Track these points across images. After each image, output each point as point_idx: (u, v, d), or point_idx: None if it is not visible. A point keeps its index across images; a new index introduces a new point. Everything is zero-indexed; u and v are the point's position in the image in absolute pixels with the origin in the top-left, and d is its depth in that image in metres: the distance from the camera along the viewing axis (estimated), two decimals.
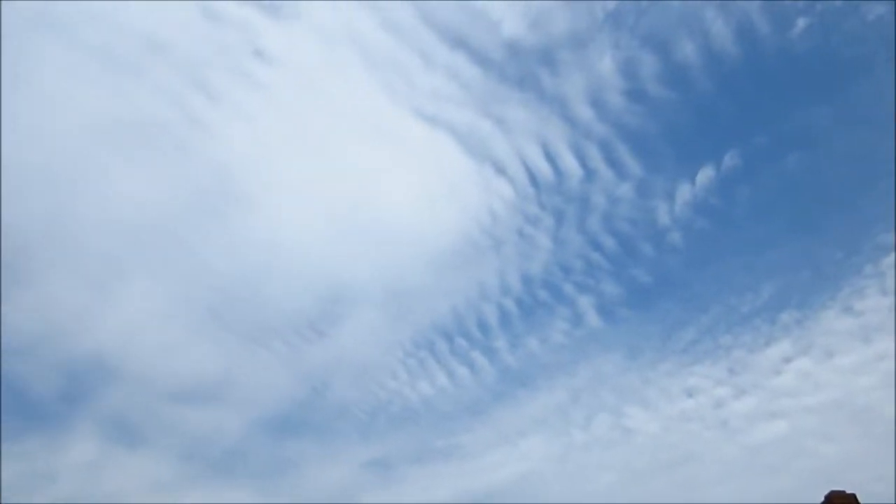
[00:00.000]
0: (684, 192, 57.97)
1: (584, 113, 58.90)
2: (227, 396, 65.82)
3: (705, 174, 57.39)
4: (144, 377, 62.45)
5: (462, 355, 62.71)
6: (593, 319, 60.68)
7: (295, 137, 59.61)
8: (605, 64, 57.51)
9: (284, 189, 61.70)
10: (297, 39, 55.75)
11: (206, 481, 63.25)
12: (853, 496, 18.92)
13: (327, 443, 67.34)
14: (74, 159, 54.79)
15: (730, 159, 57.02)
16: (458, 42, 57.49)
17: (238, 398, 66.58)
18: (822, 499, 19.29)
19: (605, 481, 56.26)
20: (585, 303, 60.84)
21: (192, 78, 55.72)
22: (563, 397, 60.56)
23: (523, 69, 58.70)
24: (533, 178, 60.19)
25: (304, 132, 59.02)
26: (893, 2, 48.48)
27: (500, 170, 60.40)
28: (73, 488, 56.60)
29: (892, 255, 47.39)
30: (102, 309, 59.69)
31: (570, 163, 59.50)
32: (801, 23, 52.66)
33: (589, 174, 59.83)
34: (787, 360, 51.54)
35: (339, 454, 65.79)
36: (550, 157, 60.25)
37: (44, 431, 64.10)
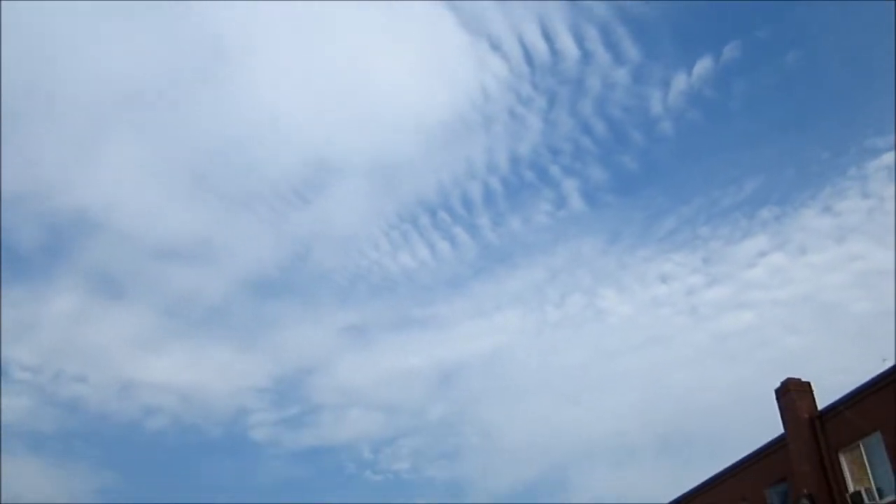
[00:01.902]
0: (680, 82, 57.50)
1: None
2: (210, 257, 66.97)
3: (703, 65, 56.78)
4: (128, 234, 63.28)
5: (444, 230, 63.73)
6: (577, 203, 61.53)
7: (288, 2, 57.62)
8: None
9: (275, 55, 60.31)
10: None
11: (188, 338, 65.43)
12: (808, 384, 20.17)
13: (307, 306, 69.23)
14: (66, 19, 52.94)
15: (729, 51, 56.28)
16: None
17: (221, 259, 67.74)
18: (778, 385, 20.57)
19: (575, 358, 58.89)
20: (571, 186, 61.49)
21: None
22: (540, 276, 62.25)
23: None
24: (528, 57, 59.24)
25: None
26: None
27: (496, 46, 59.28)
28: (56, 337, 58.36)
29: (878, 158, 47.93)
30: (87, 166, 59.55)
31: (567, 43, 58.46)
32: None
33: (586, 56, 58.96)
34: (762, 254, 53.05)
35: (318, 318, 67.82)
36: (548, 37, 59.12)
37: (28, 282, 65.40)
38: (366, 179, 65.31)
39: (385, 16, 59.72)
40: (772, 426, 20.63)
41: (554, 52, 59.62)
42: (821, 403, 19.67)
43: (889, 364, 17.57)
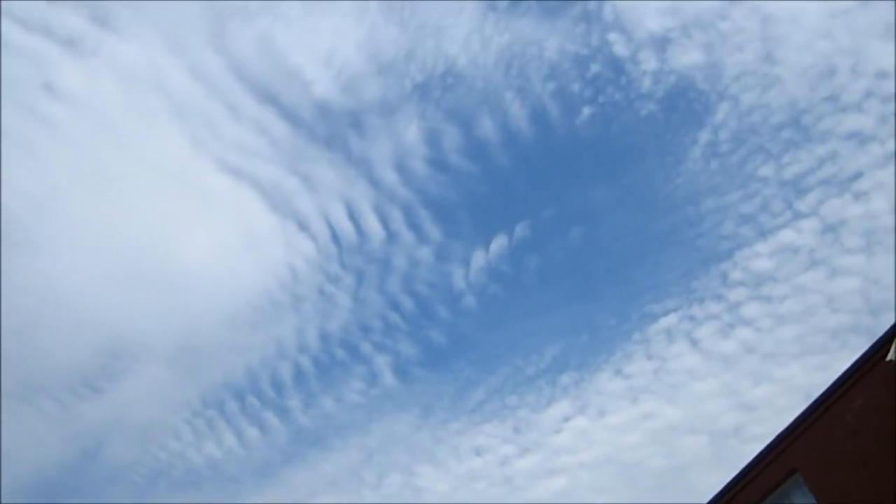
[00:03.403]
0: (479, 259, 61.16)
1: (389, 177, 60.75)
2: None
3: (498, 242, 61.02)
4: None
5: (253, 415, 60.74)
6: (389, 379, 61.48)
7: (86, 180, 55.66)
8: (412, 132, 59.93)
9: (69, 234, 57.16)
10: (96, 77, 52.67)
11: None
12: None
13: None
14: None
15: (521, 230, 61.14)
16: (269, 97, 57.30)
17: None
18: None
19: None
20: (382, 362, 61.59)
21: None
22: (355, 458, 60.33)
23: (332, 130, 59.58)
24: (336, 238, 60.74)
25: (97, 175, 55.28)
26: (660, 104, 55.17)
27: (304, 227, 60.36)
28: None
29: (657, 322, 52.84)
30: None
31: (373, 224, 60.79)
32: (586, 111, 58.33)
33: (391, 236, 61.42)
34: (566, 418, 55.22)
35: None
36: (354, 218, 61.28)
37: None
38: (166, 365, 61.51)
39: (188, 196, 59.20)
40: None
41: (360, 232, 61.74)
42: None
43: None
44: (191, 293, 60.96)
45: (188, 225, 59.64)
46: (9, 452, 58.82)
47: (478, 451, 57.56)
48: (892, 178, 43.81)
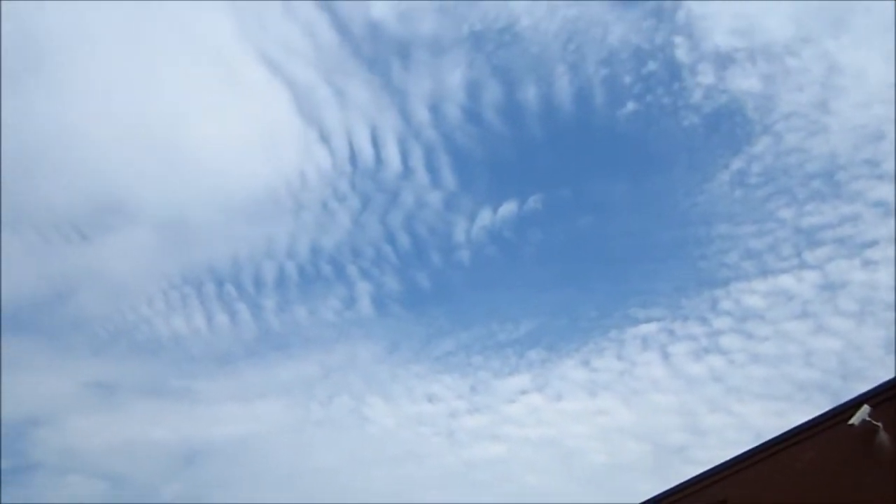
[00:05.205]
0: (485, 218, 61.09)
1: (421, 114, 60.24)
2: None
3: (508, 208, 60.88)
4: None
5: (227, 302, 61.25)
6: (366, 306, 61.94)
7: (121, 29, 55.03)
8: (455, 77, 59.20)
9: (95, 73, 56.47)
10: None
11: None
12: None
13: (55, 351, 62.51)
14: None
15: (533, 202, 60.97)
16: (326, 4, 56.58)
17: None
18: None
19: (328, 460, 57.55)
20: (363, 289, 61.95)
21: None
22: (313, 371, 61.13)
23: (378, 52, 58.78)
24: (353, 158, 60.53)
25: (134, 29, 54.69)
26: (705, 120, 54.44)
27: (325, 138, 60.06)
28: None
29: (636, 327, 53.11)
30: None
31: (392, 154, 60.50)
32: (631, 106, 57.62)
33: (407, 172, 61.24)
34: (523, 391, 55.91)
35: (63, 366, 61.29)
36: (376, 144, 60.96)
37: None
38: (156, 232, 61.62)
39: (219, 76, 58.57)
40: None
41: (378, 159, 61.51)
42: None
43: None
44: (197, 171, 60.88)
45: (212, 104, 59.15)
46: None
47: (431, 398, 58.35)
48: None
